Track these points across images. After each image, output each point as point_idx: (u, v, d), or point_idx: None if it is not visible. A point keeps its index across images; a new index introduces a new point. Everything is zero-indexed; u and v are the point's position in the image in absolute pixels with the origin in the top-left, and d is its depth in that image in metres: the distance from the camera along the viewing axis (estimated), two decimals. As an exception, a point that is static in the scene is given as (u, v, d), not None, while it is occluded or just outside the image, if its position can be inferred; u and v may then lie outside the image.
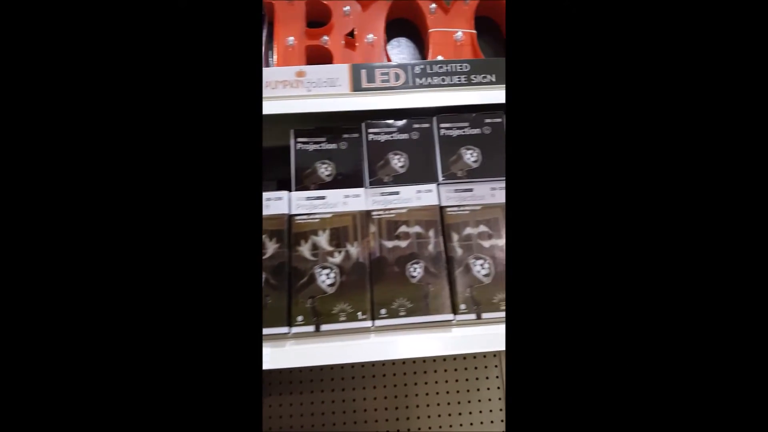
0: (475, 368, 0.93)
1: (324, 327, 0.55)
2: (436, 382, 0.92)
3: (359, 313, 0.56)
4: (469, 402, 0.92)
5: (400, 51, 0.80)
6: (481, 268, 0.59)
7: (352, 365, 0.90)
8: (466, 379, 0.93)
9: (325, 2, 0.75)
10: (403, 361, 0.91)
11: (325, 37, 0.73)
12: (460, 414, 0.91)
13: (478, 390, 0.92)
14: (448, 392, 0.92)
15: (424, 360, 0.91)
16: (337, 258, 0.58)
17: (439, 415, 0.90)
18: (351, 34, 0.74)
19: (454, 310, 0.57)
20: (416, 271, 0.58)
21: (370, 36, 0.74)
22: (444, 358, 0.92)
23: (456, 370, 0.93)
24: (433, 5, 0.77)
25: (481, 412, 0.91)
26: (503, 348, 0.55)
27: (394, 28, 0.81)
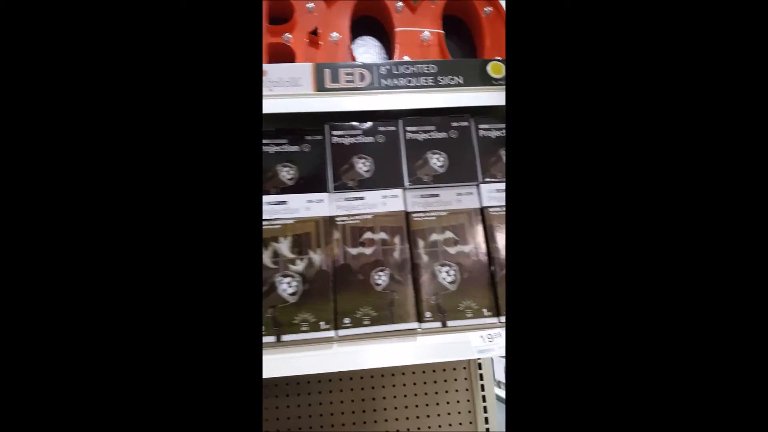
0: (444, 370, 0.93)
1: (285, 337, 0.53)
2: (404, 385, 0.91)
3: (322, 323, 0.54)
4: (437, 404, 0.91)
5: (366, 50, 0.78)
6: (446, 275, 0.58)
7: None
8: (435, 381, 0.92)
9: (288, -2, 0.72)
10: (371, 374, 0.90)
11: (288, 35, 0.70)
12: (428, 416, 0.90)
13: (447, 392, 0.92)
14: (416, 395, 0.91)
15: (391, 368, 0.90)
16: (300, 266, 0.56)
17: (407, 418, 0.90)
18: (314, 32, 0.71)
19: (419, 319, 0.56)
20: (381, 278, 0.57)
21: (335, 34, 0.72)
22: (412, 368, 0.91)
23: (424, 372, 0.92)
24: (400, 3, 0.75)
25: (449, 414, 0.91)
26: (469, 357, 0.54)
27: (360, 27, 0.79)
